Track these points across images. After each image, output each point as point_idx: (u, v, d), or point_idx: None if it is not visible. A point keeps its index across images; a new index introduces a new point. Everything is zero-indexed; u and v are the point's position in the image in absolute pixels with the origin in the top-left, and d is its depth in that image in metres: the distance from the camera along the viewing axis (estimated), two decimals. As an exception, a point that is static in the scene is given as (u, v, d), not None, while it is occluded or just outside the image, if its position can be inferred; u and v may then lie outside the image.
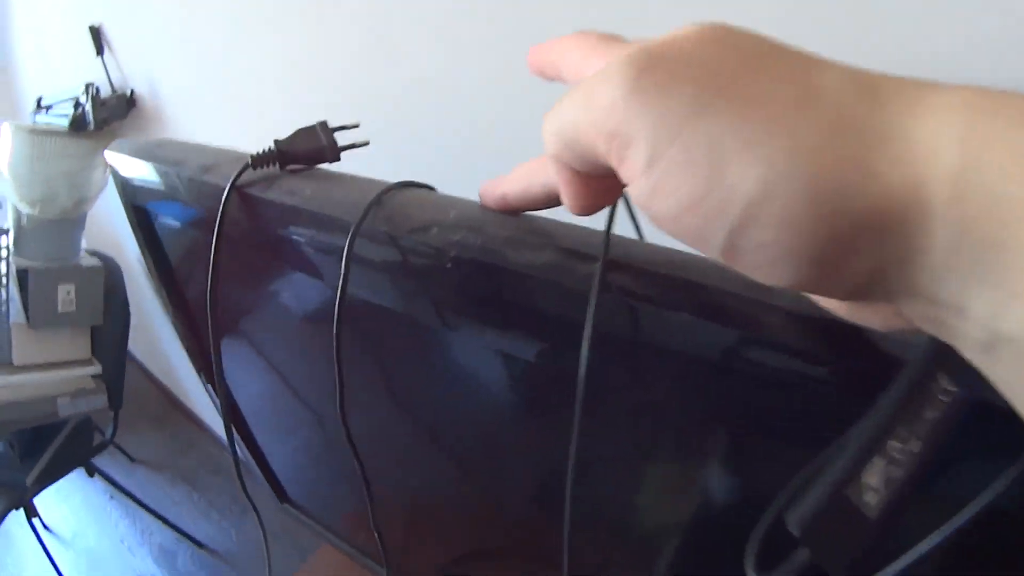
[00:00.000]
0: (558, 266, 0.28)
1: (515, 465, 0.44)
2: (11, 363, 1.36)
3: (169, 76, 1.13)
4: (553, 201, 0.25)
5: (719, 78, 0.14)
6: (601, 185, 0.20)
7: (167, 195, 0.48)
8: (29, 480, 1.42)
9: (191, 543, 1.71)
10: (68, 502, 1.89)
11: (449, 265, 0.31)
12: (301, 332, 0.54)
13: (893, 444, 0.15)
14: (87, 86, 1.29)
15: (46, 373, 1.37)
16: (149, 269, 0.59)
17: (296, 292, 0.49)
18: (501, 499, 0.49)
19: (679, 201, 0.14)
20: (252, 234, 0.44)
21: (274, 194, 0.40)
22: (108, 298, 1.39)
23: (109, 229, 1.65)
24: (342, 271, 0.34)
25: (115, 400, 1.43)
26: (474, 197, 0.32)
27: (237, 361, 0.65)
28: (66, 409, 1.36)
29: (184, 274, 0.59)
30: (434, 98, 0.69)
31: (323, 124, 0.41)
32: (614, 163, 0.16)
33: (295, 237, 0.41)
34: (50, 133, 1.31)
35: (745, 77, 0.14)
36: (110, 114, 1.24)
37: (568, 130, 0.17)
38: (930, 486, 0.16)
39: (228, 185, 0.40)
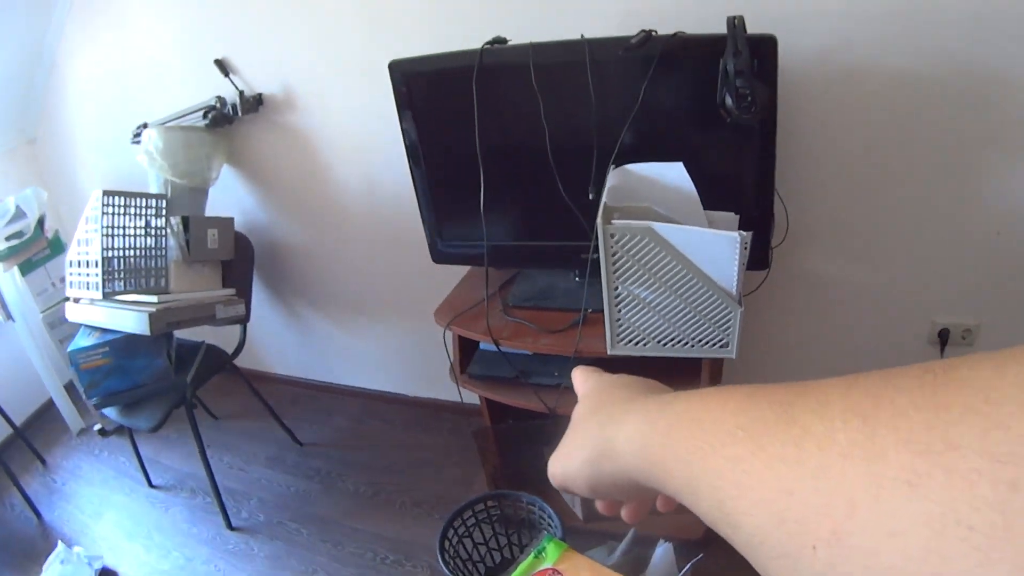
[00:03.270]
0: None
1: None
2: (168, 291, 1.87)
3: (296, 77, 1.86)
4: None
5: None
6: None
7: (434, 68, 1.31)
8: (188, 378, 1.88)
9: (294, 442, 2.15)
10: (166, 457, 2.20)
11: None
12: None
13: None
14: (217, 97, 1.96)
15: (196, 294, 1.89)
16: (400, 107, 1.37)
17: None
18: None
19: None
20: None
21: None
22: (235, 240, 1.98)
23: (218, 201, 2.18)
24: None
25: (247, 312, 1.96)
26: None
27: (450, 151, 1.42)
28: (221, 312, 1.88)
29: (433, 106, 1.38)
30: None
31: None
32: None
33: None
34: (195, 128, 1.94)
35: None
36: (249, 107, 1.91)
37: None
38: None
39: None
